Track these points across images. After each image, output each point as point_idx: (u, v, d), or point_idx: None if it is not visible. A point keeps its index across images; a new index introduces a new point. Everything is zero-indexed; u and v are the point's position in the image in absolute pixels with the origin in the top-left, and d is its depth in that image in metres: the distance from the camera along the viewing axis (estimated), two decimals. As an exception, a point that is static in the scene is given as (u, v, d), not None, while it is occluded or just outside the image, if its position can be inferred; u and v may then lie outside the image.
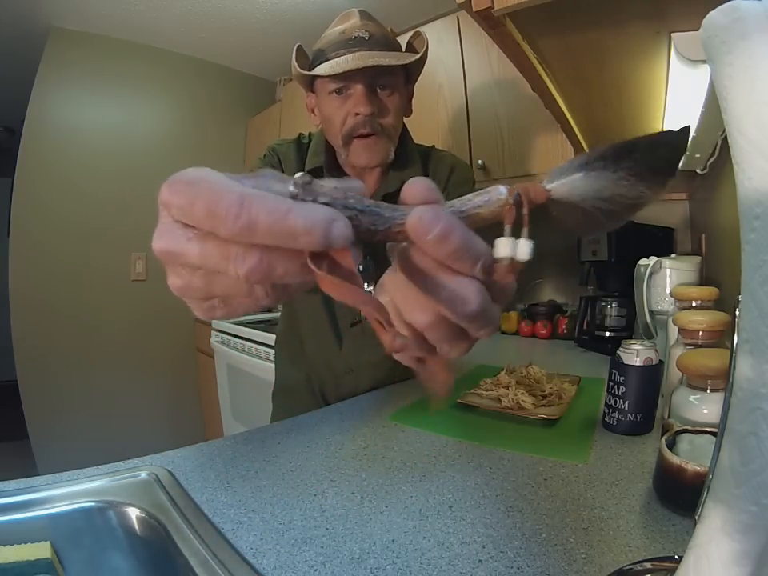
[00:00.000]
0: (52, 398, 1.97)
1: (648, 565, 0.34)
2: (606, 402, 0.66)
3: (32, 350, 1.95)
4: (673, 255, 0.97)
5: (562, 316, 1.46)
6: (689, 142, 0.25)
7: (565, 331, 1.42)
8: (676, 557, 0.34)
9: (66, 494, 0.48)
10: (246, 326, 1.87)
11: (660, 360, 0.64)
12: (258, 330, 1.79)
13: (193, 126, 2.43)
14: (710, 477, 0.22)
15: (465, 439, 0.64)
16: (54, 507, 0.46)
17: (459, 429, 0.68)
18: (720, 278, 0.86)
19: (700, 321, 0.60)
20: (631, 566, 0.35)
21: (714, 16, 0.19)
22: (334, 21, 0.79)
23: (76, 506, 0.47)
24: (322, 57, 0.74)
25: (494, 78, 1.37)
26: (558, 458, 0.57)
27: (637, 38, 0.51)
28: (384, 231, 0.19)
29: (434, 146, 0.90)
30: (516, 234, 0.22)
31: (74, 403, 2.00)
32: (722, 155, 0.80)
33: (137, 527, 0.47)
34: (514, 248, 0.21)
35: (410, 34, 0.82)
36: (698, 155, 0.85)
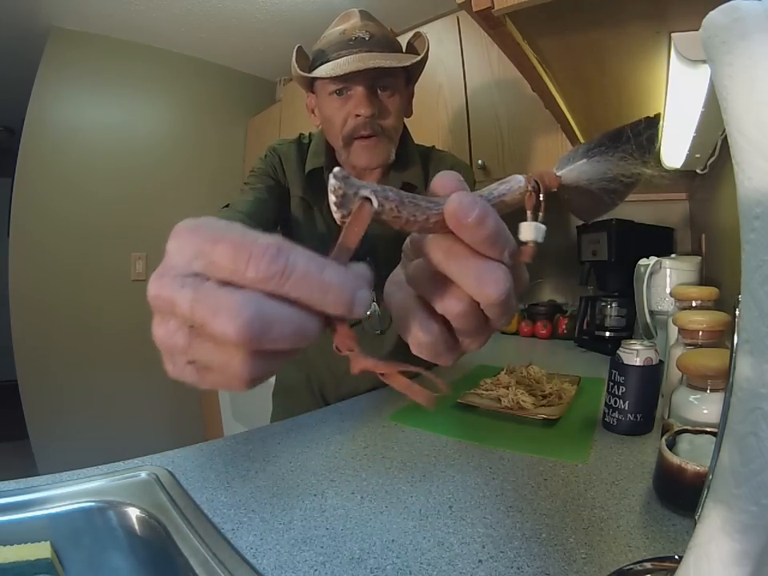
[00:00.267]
0: (52, 398, 1.97)
1: (648, 565, 0.34)
2: (605, 402, 0.66)
3: (32, 350, 1.95)
4: (673, 255, 0.97)
5: (562, 316, 1.46)
6: (660, 126, 0.31)
7: (565, 331, 1.42)
8: (676, 557, 0.34)
9: (65, 494, 0.48)
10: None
11: (660, 360, 0.64)
12: (258, 330, 1.79)
13: (193, 126, 2.43)
14: (710, 477, 0.22)
15: (465, 439, 0.64)
16: (54, 507, 0.46)
17: (459, 429, 0.68)
18: (720, 278, 0.86)
19: (700, 321, 0.60)
20: (631, 566, 0.35)
21: (714, 16, 0.19)
22: (334, 21, 0.79)
23: (76, 506, 0.47)
24: (322, 57, 0.74)
25: (494, 77, 1.37)
26: (558, 457, 0.57)
27: (637, 38, 0.51)
28: (422, 222, 0.20)
29: (434, 146, 0.90)
30: (536, 219, 0.24)
31: (73, 403, 2.00)
32: (722, 155, 0.79)
33: (137, 527, 0.47)
34: (538, 232, 0.23)
35: (410, 34, 0.82)
36: (698, 155, 0.85)
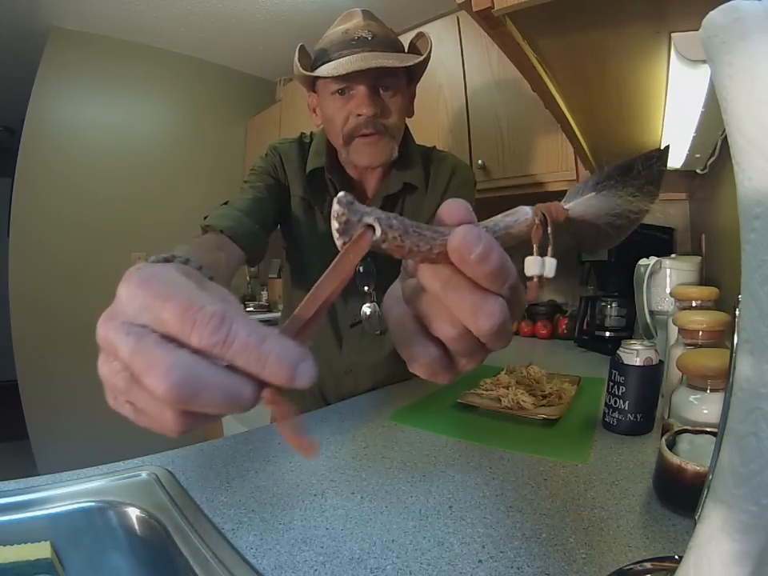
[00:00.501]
0: (52, 398, 1.97)
1: (648, 565, 0.34)
2: (606, 402, 0.66)
3: (32, 350, 1.95)
4: (673, 255, 0.97)
5: (562, 316, 1.46)
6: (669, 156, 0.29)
7: (565, 331, 1.42)
8: (676, 557, 0.34)
9: (65, 494, 0.48)
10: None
11: (660, 360, 0.64)
12: (258, 330, 1.79)
13: (193, 126, 2.43)
14: (710, 477, 0.22)
15: (465, 439, 0.64)
16: (54, 507, 0.46)
17: (459, 429, 0.68)
18: (720, 278, 0.86)
19: (700, 321, 0.60)
20: (631, 566, 0.35)
21: (714, 16, 0.19)
22: (336, 20, 0.79)
23: (76, 505, 0.47)
24: (324, 57, 0.73)
25: (494, 77, 1.37)
26: (558, 457, 0.57)
27: (637, 38, 0.51)
28: (425, 252, 0.20)
29: (434, 146, 0.90)
30: (542, 253, 0.23)
31: (73, 403, 2.00)
32: (722, 155, 0.79)
33: (137, 527, 0.47)
34: (543, 266, 0.23)
35: (411, 33, 0.82)
36: (698, 155, 0.85)
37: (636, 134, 0.83)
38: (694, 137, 0.73)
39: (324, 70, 0.71)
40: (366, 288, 0.81)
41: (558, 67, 0.59)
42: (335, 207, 0.18)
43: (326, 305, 0.20)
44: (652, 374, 0.63)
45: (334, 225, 0.19)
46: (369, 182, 0.83)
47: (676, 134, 0.75)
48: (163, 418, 0.20)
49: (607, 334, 1.23)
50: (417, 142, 0.87)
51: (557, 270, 0.23)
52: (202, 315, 0.18)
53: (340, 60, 0.71)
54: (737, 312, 0.21)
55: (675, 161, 0.90)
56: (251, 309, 2.44)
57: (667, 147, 0.29)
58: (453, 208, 0.21)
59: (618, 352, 0.65)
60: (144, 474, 0.52)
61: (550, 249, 0.23)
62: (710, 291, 0.69)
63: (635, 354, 0.63)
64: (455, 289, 0.20)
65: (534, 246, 0.23)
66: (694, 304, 0.70)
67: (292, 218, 0.84)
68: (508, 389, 0.77)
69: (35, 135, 1.97)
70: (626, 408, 0.62)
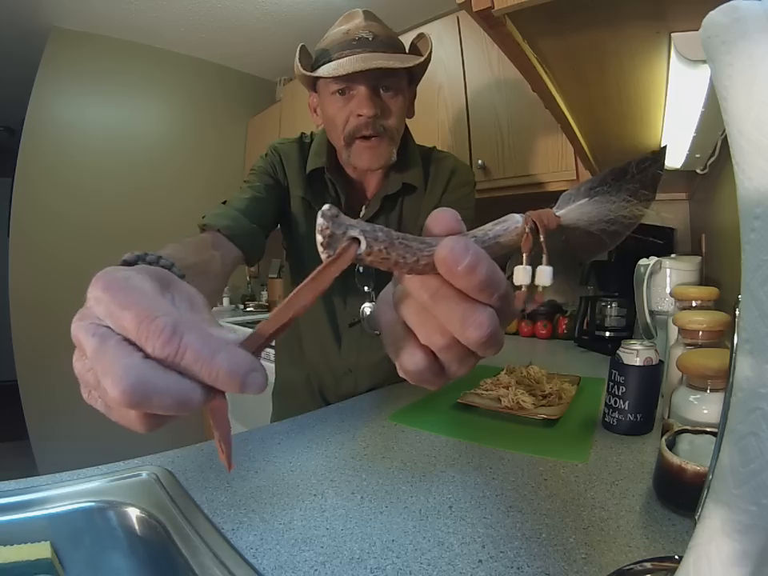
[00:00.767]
0: (52, 398, 1.97)
1: (648, 565, 0.34)
2: (605, 402, 0.66)
3: (32, 350, 1.95)
4: (673, 255, 0.97)
5: (562, 316, 1.46)
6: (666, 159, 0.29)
7: (565, 331, 1.42)
8: (676, 557, 0.34)
9: (65, 493, 0.48)
10: (246, 326, 1.87)
11: (660, 360, 0.64)
12: (258, 330, 1.79)
13: (193, 126, 2.43)
14: (710, 477, 0.22)
15: (465, 439, 0.64)
16: (54, 507, 0.46)
17: (459, 429, 0.68)
18: (720, 278, 0.86)
19: (700, 321, 0.60)
20: (631, 566, 0.35)
21: (714, 16, 0.19)
22: (337, 20, 0.78)
23: (76, 505, 0.47)
24: (325, 57, 0.73)
25: (494, 77, 1.37)
26: (558, 457, 0.57)
27: (637, 38, 0.51)
28: (412, 264, 0.19)
29: (434, 147, 0.90)
30: (535, 262, 0.23)
31: (73, 403, 1.99)
32: (722, 155, 0.79)
33: (137, 527, 0.47)
34: (531, 276, 0.23)
35: (411, 33, 0.82)
36: (698, 155, 0.85)
37: (636, 133, 0.83)
38: (693, 137, 0.73)
39: (325, 71, 0.72)
40: (365, 288, 0.81)
41: (558, 67, 0.59)
42: (319, 221, 0.18)
43: (292, 319, 0.20)
44: (652, 374, 0.63)
45: (319, 239, 0.18)
46: (368, 182, 0.83)
47: (676, 134, 0.75)
48: (128, 416, 0.21)
49: (607, 333, 1.23)
50: (417, 142, 0.87)
51: (552, 277, 0.23)
52: (154, 327, 0.19)
53: (341, 60, 0.71)
54: (737, 312, 0.21)
55: (675, 161, 0.90)
56: (251, 309, 2.43)
57: (663, 150, 0.28)
58: (441, 217, 0.21)
59: (618, 352, 0.65)
60: (144, 474, 0.52)
61: (544, 257, 0.23)
62: (709, 291, 0.69)
63: (635, 353, 0.63)
64: (443, 299, 0.20)
65: (524, 255, 0.23)
66: (694, 304, 0.70)
67: (292, 218, 0.84)
68: (508, 389, 0.77)
69: (35, 135, 1.97)
70: (626, 408, 0.62)
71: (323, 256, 0.19)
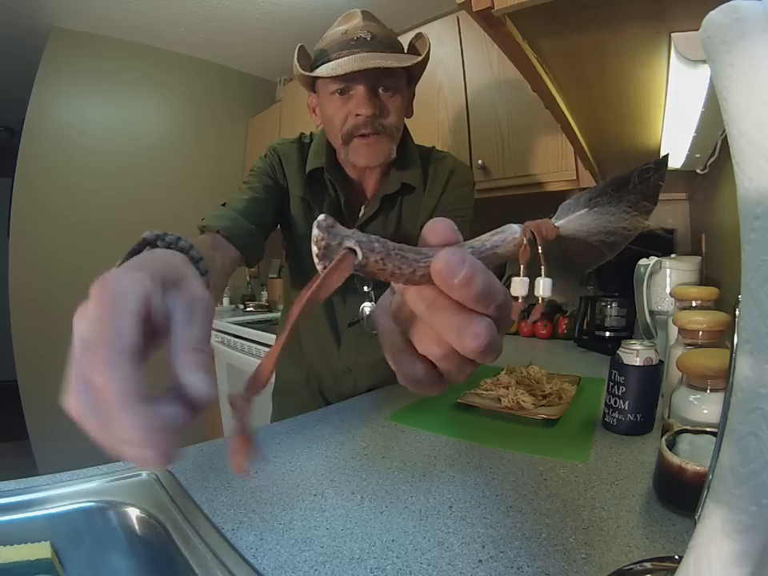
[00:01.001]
0: (52, 398, 1.95)
1: (648, 565, 0.34)
2: (605, 402, 0.66)
3: (32, 350, 1.95)
4: (673, 255, 0.97)
5: (562, 316, 1.46)
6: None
7: (565, 331, 1.42)
8: (676, 557, 0.34)
9: (65, 493, 0.48)
10: (246, 326, 1.87)
11: (660, 360, 0.64)
12: (258, 330, 1.79)
13: (193, 126, 2.43)
14: (710, 477, 0.22)
15: (465, 439, 0.64)
16: (54, 507, 0.46)
17: (459, 429, 0.68)
18: (720, 278, 0.86)
19: (700, 321, 0.60)
20: (631, 566, 0.35)
21: (714, 16, 0.19)
22: (336, 20, 0.79)
23: (76, 505, 0.47)
24: (324, 57, 0.74)
25: (494, 77, 1.37)
26: (558, 457, 0.57)
27: (637, 38, 0.51)
28: (408, 275, 0.19)
29: (434, 147, 0.90)
30: (533, 273, 0.23)
31: (74, 403, 2.00)
32: (722, 155, 0.79)
33: (137, 527, 0.47)
34: (529, 287, 0.22)
35: (411, 33, 0.82)
36: (698, 155, 0.85)
37: (636, 133, 0.83)
38: (693, 137, 0.73)
39: (323, 70, 0.72)
40: (364, 288, 0.81)
41: (558, 67, 0.59)
42: (314, 231, 0.18)
43: (286, 340, 0.20)
44: (652, 374, 0.63)
45: (314, 250, 0.18)
46: (368, 181, 0.83)
47: (676, 134, 0.75)
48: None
49: (607, 333, 1.23)
50: (417, 142, 0.87)
51: (552, 288, 0.23)
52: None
53: (339, 60, 0.71)
54: (737, 312, 0.21)
55: (675, 161, 0.90)
56: (251, 309, 2.43)
57: (665, 158, 0.27)
58: (437, 227, 0.21)
59: (618, 352, 0.65)
60: (144, 474, 0.52)
61: (543, 268, 0.23)
62: (709, 291, 0.69)
63: (635, 353, 0.63)
64: (440, 310, 0.20)
65: (522, 266, 0.23)
66: (694, 304, 0.70)
67: (291, 219, 0.84)
68: (508, 389, 0.77)
69: (35, 135, 1.97)
70: (626, 408, 0.62)
71: (319, 267, 0.18)
